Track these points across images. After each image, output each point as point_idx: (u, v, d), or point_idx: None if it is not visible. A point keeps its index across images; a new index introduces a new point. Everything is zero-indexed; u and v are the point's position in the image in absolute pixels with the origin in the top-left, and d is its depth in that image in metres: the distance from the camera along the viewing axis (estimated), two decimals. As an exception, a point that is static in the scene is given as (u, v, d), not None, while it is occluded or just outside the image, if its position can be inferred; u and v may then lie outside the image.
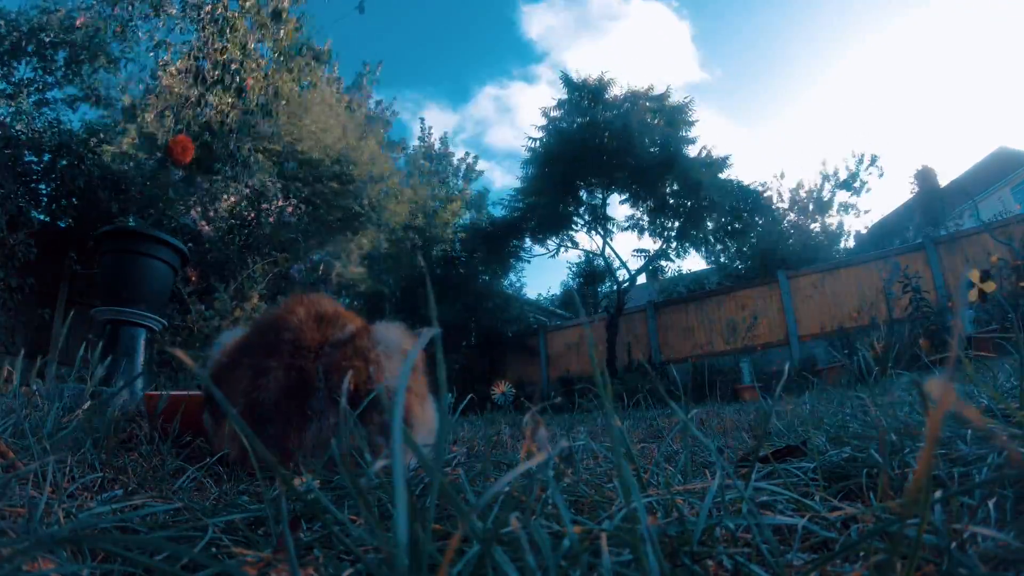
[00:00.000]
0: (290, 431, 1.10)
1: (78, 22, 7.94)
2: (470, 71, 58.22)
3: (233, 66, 7.41)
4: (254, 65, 7.67)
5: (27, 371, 1.86)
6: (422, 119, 28.37)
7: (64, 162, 8.00)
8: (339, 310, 1.35)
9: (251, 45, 7.63)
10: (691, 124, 11.27)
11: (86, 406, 1.27)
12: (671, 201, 11.01)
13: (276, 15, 7.70)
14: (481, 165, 18.70)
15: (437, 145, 18.17)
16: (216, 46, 7.39)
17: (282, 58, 7.97)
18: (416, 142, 18.23)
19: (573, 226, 12.18)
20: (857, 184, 16.95)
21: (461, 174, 18.06)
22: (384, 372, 1.18)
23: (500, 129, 50.47)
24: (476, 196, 17.35)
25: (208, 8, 7.36)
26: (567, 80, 11.66)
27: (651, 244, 11.90)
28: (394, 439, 0.30)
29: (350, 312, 1.38)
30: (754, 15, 64.23)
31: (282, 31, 7.74)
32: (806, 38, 65.98)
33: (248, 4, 7.51)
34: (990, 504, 0.53)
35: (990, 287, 3.10)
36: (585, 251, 13.33)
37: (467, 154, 18.44)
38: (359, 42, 36.50)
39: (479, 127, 50.14)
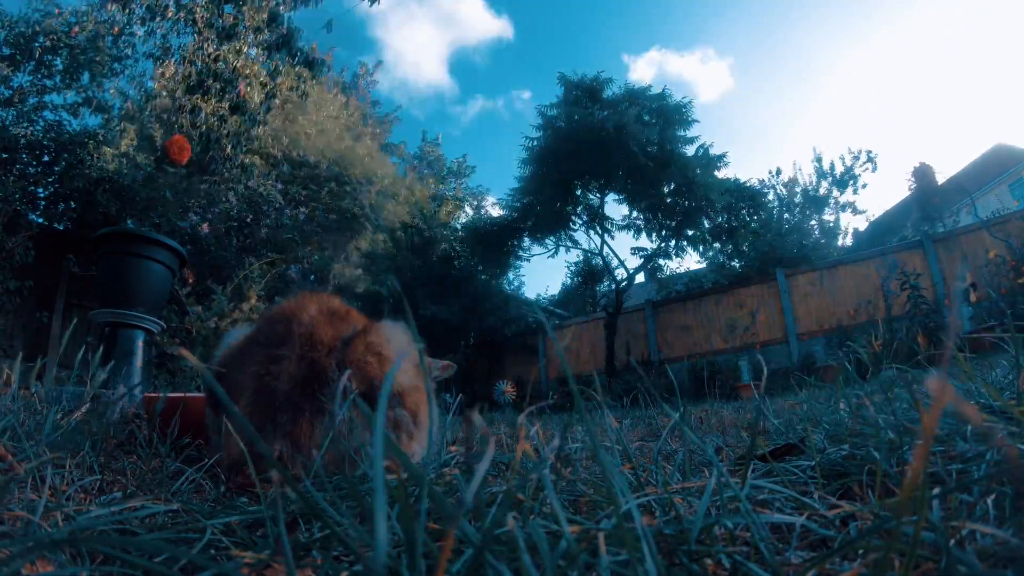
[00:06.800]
0: (302, 421, 1.08)
1: (74, 31, 7.92)
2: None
3: (228, 69, 7.38)
4: (249, 70, 7.64)
5: (26, 373, 1.86)
6: (424, 131, 28.57)
7: (62, 165, 7.99)
8: (349, 309, 1.37)
9: (246, 49, 7.60)
10: (690, 123, 11.25)
11: (85, 408, 1.27)
12: (668, 200, 10.99)
13: (272, 19, 7.67)
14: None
15: (432, 150, 18.71)
16: (210, 51, 7.36)
17: (278, 62, 7.94)
18: (416, 149, 18.73)
19: (571, 225, 12.15)
20: (851, 181, 16.97)
21: (455, 173, 18.46)
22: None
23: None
24: (473, 192, 17.61)
25: (204, 14, 7.33)
26: (564, 79, 11.64)
27: (649, 243, 11.89)
28: (376, 444, 0.30)
29: (356, 311, 1.39)
30: (752, 14, 64.29)
31: (279, 34, 7.71)
32: (804, 37, 66.07)
33: (245, 7, 7.48)
34: (988, 501, 0.52)
35: (973, 298, 3.13)
36: (584, 250, 13.33)
37: (463, 156, 19.21)
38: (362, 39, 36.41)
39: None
